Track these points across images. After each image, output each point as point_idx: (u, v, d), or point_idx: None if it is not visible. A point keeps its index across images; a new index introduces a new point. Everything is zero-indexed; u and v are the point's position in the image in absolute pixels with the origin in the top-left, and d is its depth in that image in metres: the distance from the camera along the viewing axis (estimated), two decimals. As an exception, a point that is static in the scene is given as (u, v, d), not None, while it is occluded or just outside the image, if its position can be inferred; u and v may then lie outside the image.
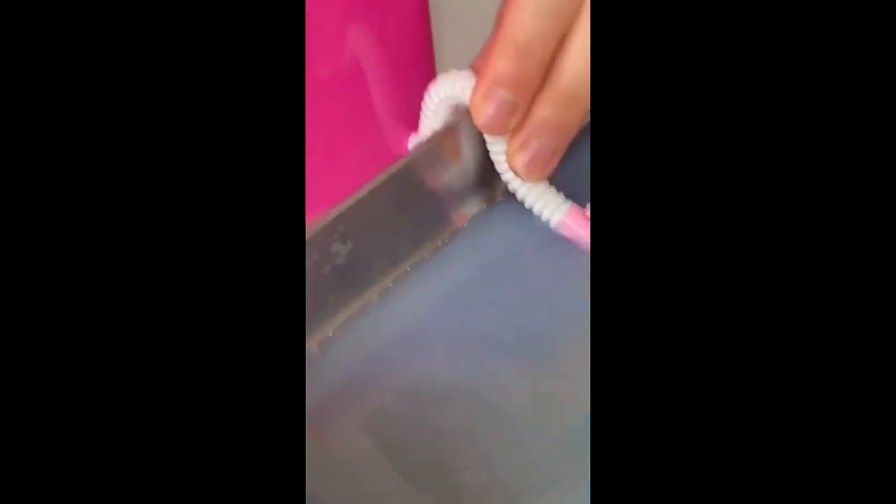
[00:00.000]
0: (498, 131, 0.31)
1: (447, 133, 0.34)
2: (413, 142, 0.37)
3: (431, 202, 0.35)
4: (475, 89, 0.31)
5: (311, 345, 0.33)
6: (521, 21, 0.30)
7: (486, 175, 0.36)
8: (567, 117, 0.31)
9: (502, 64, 0.30)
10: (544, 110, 0.31)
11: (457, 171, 0.36)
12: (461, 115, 0.34)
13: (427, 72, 0.37)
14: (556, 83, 0.31)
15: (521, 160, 0.32)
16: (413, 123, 0.37)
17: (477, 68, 0.32)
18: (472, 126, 0.31)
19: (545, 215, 0.34)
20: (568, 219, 0.34)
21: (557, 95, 0.31)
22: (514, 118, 0.31)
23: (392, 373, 0.32)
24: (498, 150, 0.33)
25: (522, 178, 0.33)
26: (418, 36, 0.36)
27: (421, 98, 0.35)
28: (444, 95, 0.33)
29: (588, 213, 0.34)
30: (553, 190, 0.34)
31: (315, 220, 0.31)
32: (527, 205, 0.34)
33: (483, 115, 0.31)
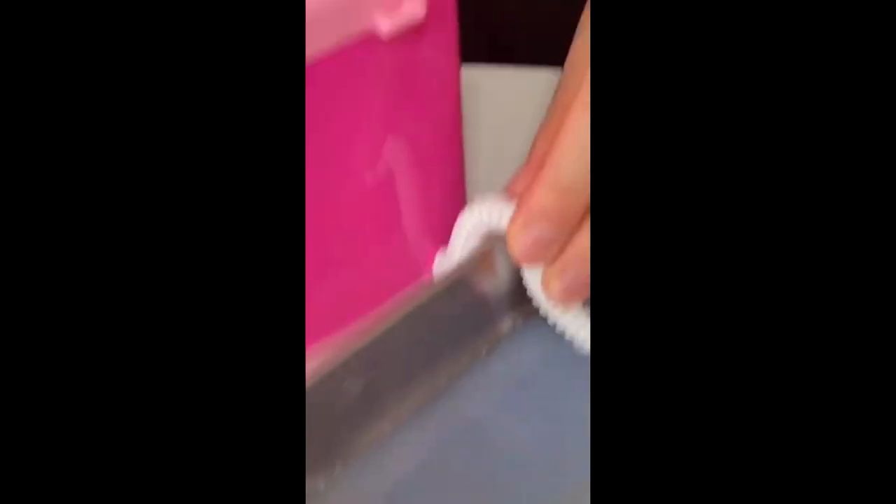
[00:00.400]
0: (533, 262, 0.30)
1: (476, 263, 0.33)
2: (440, 259, 0.35)
3: (451, 333, 0.33)
4: (514, 219, 0.30)
5: (318, 481, 0.30)
6: (566, 163, 0.28)
7: (514, 297, 0.34)
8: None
9: (545, 199, 0.29)
10: (585, 240, 0.29)
11: (486, 290, 0.34)
12: (494, 242, 0.32)
13: (457, 186, 0.35)
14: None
15: (557, 286, 0.30)
16: (440, 238, 0.35)
17: (513, 193, 0.31)
18: (505, 251, 0.30)
19: (575, 337, 0.32)
20: None
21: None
22: (552, 251, 0.30)
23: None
24: (533, 274, 0.31)
25: (558, 303, 0.31)
26: (450, 150, 0.35)
27: (449, 212, 0.33)
28: (477, 221, 0.32)
29: None
30: (586, 311, 0.32)
31: (329, 358, 0.29)
32: (557, 329, 0.32)
33: (520, 245, 0.30)
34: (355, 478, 0.31)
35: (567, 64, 0.34)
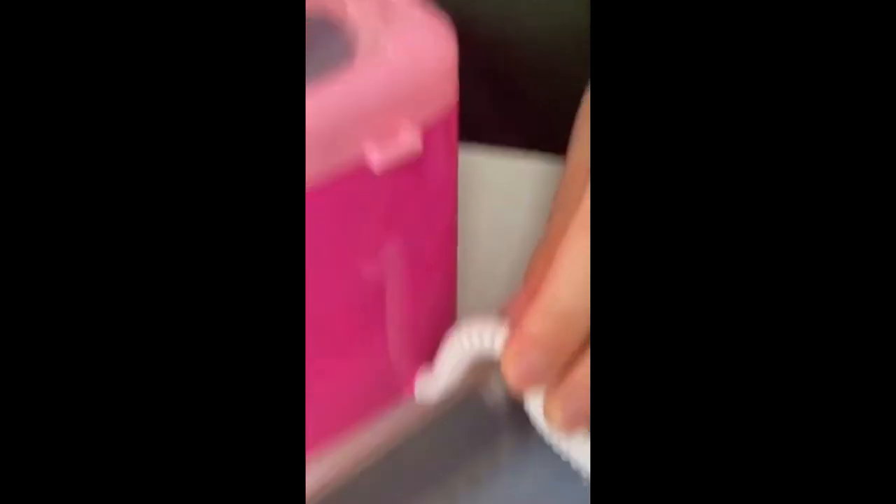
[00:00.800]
0: (526, 388, 0.29)
1: (471, 387, 0.32)
2: (423, 378, 0.34)
3: (448, 459, 0.32)
4: (509, 345, 0.28)
5: None
6: (563, 289, 0.27)
7: (513, 420, 0.33)
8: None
9: (541, 326, 0.28)
10: (588, 369, 0.28)
11: (483, 414, 0.33)
12: (489, 364, 0.31)
13: (448, 303, 0.34)
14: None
15: (559, 416, 0.29)
16: (425, 354, 0.34)
17: (509, 316, 0.30)
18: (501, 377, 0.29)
19: (580, 464, 0.31)
20: None
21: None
22: (547, 378, 0.28)
23: None
24: (534, 400, 0.30)
25: (561, 432, 0.30)
26: (444, 268, 0.34)
27: (438, 329, 0.32)
28: (468, 344, 0.30)
29: None
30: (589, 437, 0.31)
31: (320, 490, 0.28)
32: (562, 455, 0.31)
33: (515, 373, 0.28)
34: None
35: (565, 174, 0.33)
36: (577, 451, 0.30)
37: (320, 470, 0.30)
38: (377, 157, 0.26)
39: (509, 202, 0.42)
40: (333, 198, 0.26)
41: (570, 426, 0.29)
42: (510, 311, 0.30)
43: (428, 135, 0.27)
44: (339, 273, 0.29)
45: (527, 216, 0.41)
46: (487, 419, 0.33)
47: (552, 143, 0.35)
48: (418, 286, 0.32)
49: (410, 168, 0.27)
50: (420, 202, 0.29)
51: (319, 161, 0.25)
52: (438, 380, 0.32)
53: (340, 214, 0.27)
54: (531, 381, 0.28)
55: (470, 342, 0.30)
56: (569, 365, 0.28)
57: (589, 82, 0.33)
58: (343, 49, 0.27)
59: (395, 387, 0.34)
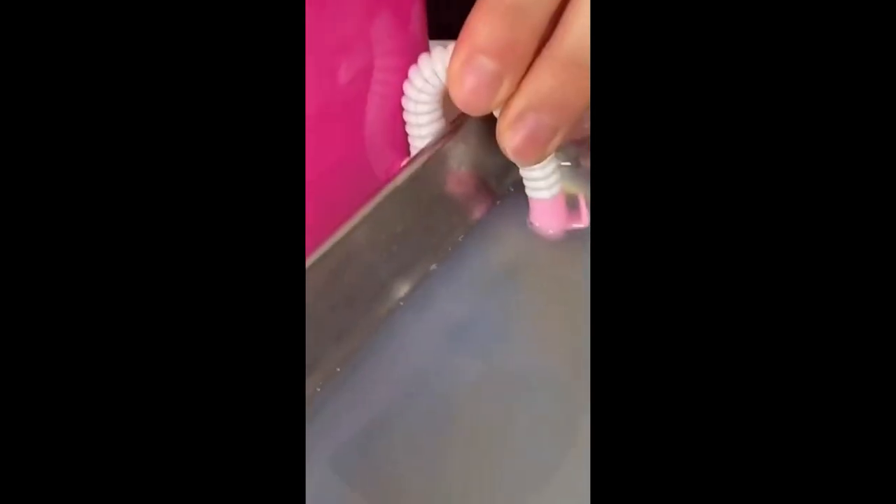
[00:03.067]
0: (480, 108, 0.25)
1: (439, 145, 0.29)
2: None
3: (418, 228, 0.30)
4: (453, 57, 0.25)
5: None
6: None
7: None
8: (573, 89, 0.25)
9: (487, 27, 0.24)
10: (544, 79, 0.25)
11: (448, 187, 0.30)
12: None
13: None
14: (560, 48, 0.24)
15: (514, 138, 0.25)
16: (405, 150, 0.32)
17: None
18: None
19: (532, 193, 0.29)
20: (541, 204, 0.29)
21: (561, 62, 0.24)
22: (501, 93, 0.25)
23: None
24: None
25: (514, 160, 0.26)
26: (414, 49, 0.31)
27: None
28: (427, 75, 0.28)
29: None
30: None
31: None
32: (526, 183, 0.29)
33: (462, 87, 0.24)
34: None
35: None
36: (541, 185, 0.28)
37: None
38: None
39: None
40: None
41: (524, 154, 0.26)
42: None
43: None
44: (315, 70, 0.27)
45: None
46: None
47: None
48: (398, 72, 0.30)
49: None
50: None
51: None
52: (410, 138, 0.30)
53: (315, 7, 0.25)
54: (483, 99, 0.25)
55: (428, 72, 0.27)
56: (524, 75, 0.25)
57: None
58: None
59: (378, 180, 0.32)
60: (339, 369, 0.28)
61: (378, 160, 0.32)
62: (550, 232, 0.31)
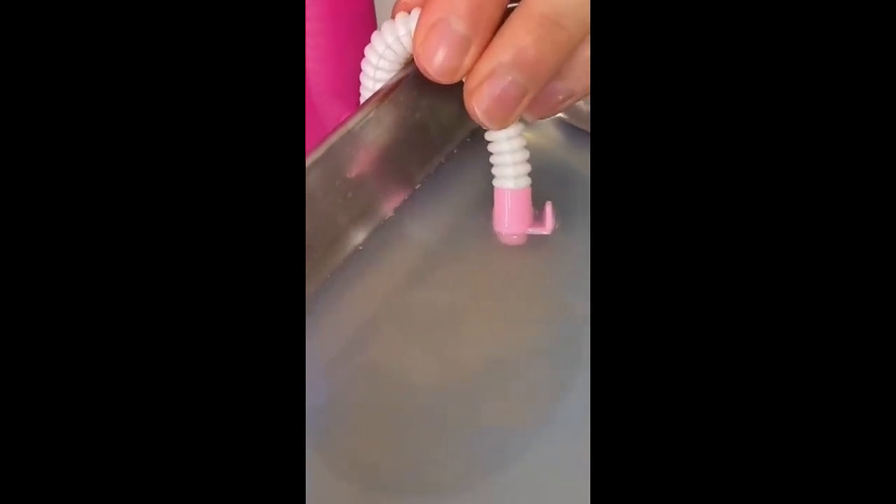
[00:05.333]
0: (446, 71, 0.24)
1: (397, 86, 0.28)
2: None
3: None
4: (420, 19, 0.24)
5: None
6: None
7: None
8: (548, 46, 0.24)
9: None
10: (517, 34, 0.24)
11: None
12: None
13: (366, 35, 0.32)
14: (534, 3, 0.24)
15: (482, 98, 0.24)
16: (353, 100, 0.32)
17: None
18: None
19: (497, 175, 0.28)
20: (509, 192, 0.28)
21: (536, 18, 0.24)
22: (468, 57, 0.24)
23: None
24: None
25: (481, 123, 0.25)
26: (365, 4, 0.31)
27: (359, 70, 0.30)
28: (390, 42, 0.27)
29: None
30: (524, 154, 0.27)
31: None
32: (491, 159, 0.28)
33: (428, 49, 0.24)
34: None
35: None
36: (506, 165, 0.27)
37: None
38: None
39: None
40: None
41: (492, 115, 0.25)
42: None
43: None
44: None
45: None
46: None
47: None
48: (339, 18, 0.30)
49: None
50: None
51: None
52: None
53: None
54: (451, 65, 0.24)
55: (391, 39, 0.27)
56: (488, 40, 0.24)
57: None
58: None
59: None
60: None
61: (328, 112, 0.32)
62: (512, 238, 0.29)
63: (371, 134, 0.28)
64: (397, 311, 0.28)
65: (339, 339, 0.28)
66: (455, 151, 0.31)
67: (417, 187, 0.31)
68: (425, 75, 0.25)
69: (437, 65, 0.24)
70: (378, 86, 0.29)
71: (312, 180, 0.27)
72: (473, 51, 0.24)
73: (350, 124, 0.28)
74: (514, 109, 0.25)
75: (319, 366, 0.27)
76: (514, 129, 0.27)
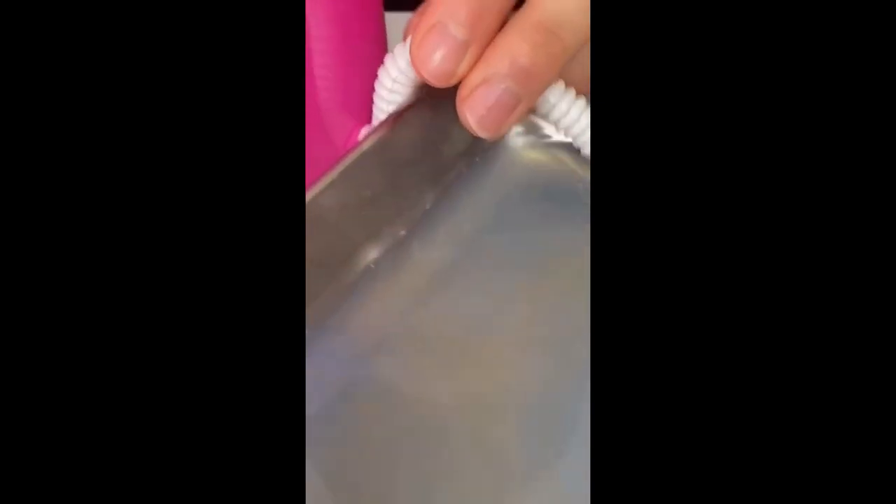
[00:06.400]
0: (442, 75, 0.24)
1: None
2: (364, 133, 0.32)
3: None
4: (417, 28, 0.24)
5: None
6: None
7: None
8: (543, 55, 0.24)
9: None
10: (512, 43, 0.24)
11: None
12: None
13: (379, 57, 0.32)
14: (532, 13, 0.24)
15: (475, 107, 0.24)
16: (363, 116, 0.32)
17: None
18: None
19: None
20: None
21: (533, 26, 0.24)
22: (464, 63, 0.24)
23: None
24: None
25: (472, 131, 0.25)
26: (374, 18, 0.31)
27: (371, 87, 0.30)
28: (402, 66, 0.27)
29: None
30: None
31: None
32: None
33: (425, 52, 0.24)
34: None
35: None
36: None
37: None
38: None
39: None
40: None
41: (485, 123, 0.24)
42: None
43: None
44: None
45: None
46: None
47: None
48: (349, 38, 0.30)
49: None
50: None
51: None
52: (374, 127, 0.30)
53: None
54: (448, 68, 0.24)
55: (404, 63, 0.27)
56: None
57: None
58: None
59: (337, 150, 0.32)
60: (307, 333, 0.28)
61: (336, 124, 0.32)
62: None
63: (386, 155, 0.28)
64: (409, 330, 0.28)
65: (350, 355, 0.28)
66: (465, 171, 0.32)
67: (428, 207, 0.31)
68: (419, 77, 0.25)
69: (432, 67, 0.24)
70: (392, 108, 0.29)
71: (327, 199, 0.27)
72: (469, 57, 0.24)
73: (366, 145, 0.28)
74: (508, 118, 0.25)
75: (330, 382, 0.27)
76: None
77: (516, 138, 0.32)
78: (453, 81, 0.25)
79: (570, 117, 0.27)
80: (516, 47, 0.24)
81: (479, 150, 0.32)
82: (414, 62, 0.24)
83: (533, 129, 0.32)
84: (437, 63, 0.24)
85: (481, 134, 0.25)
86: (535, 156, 0.32)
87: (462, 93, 0.25)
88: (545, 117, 0.28)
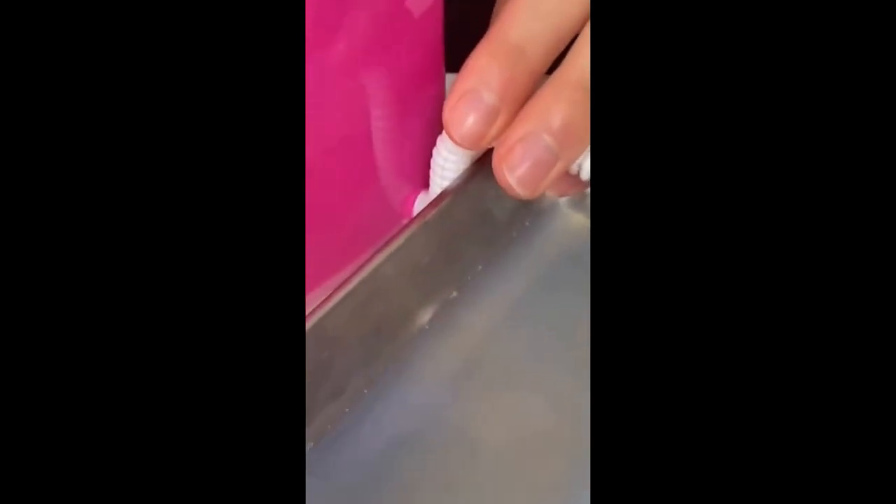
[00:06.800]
0: (474, 139, 0.25)
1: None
2: (421, 202, 0.34)
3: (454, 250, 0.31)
4: (451, 92, 0.25)
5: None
6: (515, 19, 0.24)
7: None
8: (580, 113, 0.24)
9: (486, 61, 0.24)
10: (549, 101, 0.24)
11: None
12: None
13: (438, 125, 0.34)
14: (569, 73, 0.24)
15: (513, 165, 0.24)
16: (420, 181, 0.34)
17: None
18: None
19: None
20: None
21: (571, 86, 0.24)
22: (495, 128, 0.25)
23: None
24: None
25: (510, 191, 0.25)
26: (432, 86, 0.33)
27: (429, 153, 0.32)
28: (445, 154, 0.30)
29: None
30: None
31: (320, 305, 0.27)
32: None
33: (457, 117, 0.24)
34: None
35: None
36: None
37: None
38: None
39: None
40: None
41: (525, 182, 0.25)
42: None
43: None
44: (326, 91, 0.28)
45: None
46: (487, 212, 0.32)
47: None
48: (406, 102, 0.31)
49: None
50: (404, 22, 0.28)
51: None
52: (431, 196, 0.31)
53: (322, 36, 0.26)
54: (478, 132, 0.25)
55: (446, 162, 0.29)
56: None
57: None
58: None
59: (392, 220, 0.34)
60: (365, 391, 0.30)
61: (393, 189, 0.33)
62: None
63: (444, 224, 0.30)
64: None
65: (401, 413, 0.30)
66: (515, 235, 0.33)
67: (480, 268, 0.32)
68: (451, 140, 0.26)
69: (463, 131, 0.25)
70: (449, 174, 0.31)
71: (388, 268, 0.29)
72: (501, 121, 0.25)
73: (428, 216, 0.29)
74: (546, 176, 0.25)
75: (379, 441, 0.29)
76: None
77: (565, 202, 0.34)
78: (484, 145, 0.26)
79: None
80: (554, 106, 0.24)
81: (530, 215, 0.33)
82: (446, 126, 0.25)
83: (581, 194, 0.34)
84: (469, 126, 0.25)
85: (519, 192, 0.25)
86: (584, 220, 0.33)
87: (500, 151, 0.25)
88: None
